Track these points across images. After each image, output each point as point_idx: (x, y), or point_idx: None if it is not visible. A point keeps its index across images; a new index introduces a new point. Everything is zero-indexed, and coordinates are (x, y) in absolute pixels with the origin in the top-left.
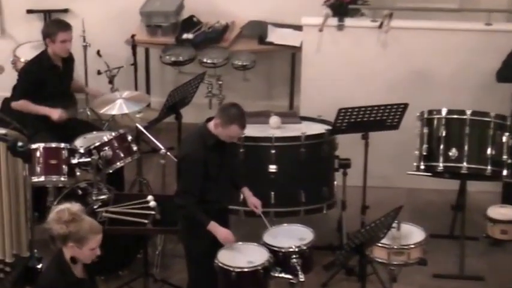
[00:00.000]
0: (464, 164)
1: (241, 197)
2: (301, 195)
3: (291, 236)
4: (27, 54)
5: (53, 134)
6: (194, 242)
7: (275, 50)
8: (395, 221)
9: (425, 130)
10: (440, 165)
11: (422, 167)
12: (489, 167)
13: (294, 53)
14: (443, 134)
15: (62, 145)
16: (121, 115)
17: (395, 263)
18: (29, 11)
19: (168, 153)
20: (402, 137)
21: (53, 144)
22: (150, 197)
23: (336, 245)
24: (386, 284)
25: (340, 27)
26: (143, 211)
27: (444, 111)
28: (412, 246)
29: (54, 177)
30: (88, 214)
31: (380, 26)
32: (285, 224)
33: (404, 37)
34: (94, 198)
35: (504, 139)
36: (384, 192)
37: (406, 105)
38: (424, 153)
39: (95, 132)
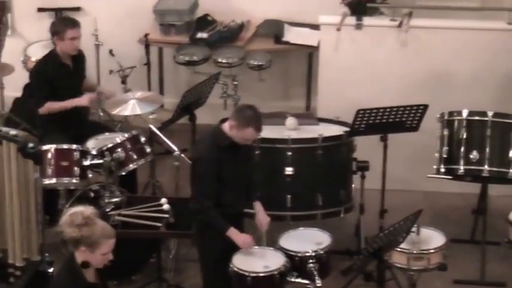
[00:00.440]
0: (486, 167)
1: None
2: (318, 199)
3: (308, 240)
4: (38, 53)
5: (65, 135)
6: (208, 246)
7: (291, 50)
8: (415, 225)
9: (446, 132)
10: (461, 168)
11: (442, 170)
12: (511, 170)
13: (311, 53)
14: (464, 136)
15: (74, 146)
16: (134, 116)
17: (414, 268)
18: (40, 10)
19: (182, 155)
20: (422, 139)
21: (65, 146)
22: (163, 200)
23: (354, 249)
24: None
25: (359, 26)
26: (156, 214)
27: (465, 113)
28: (432, 251)
29: (65, 180)
30: (100, 217)
31: (399, 25)
32: (302, 228)
33: (424, 36)
34: (106, 201)
35: None
36: (403, 196)
37: (425, 107)
38: (445, 156)
39: (107, 134)
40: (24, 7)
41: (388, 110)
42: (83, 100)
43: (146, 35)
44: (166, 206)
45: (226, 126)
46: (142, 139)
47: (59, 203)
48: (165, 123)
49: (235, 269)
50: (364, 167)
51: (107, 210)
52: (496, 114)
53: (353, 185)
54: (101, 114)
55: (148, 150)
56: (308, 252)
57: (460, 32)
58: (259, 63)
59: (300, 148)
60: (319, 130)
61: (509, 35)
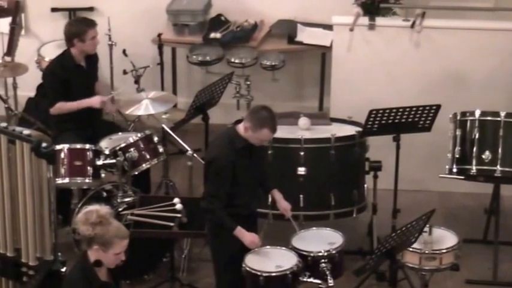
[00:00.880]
0: (498, 167)
1: (270, 199)
2: (331, 199)
3: (321, 240)
4: (51, 53)
5: (78, 134)
6: (221, 245)
7: (305, 50)
8: (427, 225)
9: (458, 132)
10: (473, 168)
11: (454, 170)
12: None
13: (324, 53)
14: (477, 137)
15: (87, 146)
16: (147, 116)
17: (426, 268)
18: (54, 9)
19: (195, 154)
20: (434, 139)
21: (78, 145)
22: (176, 200)
23: (367, 249)
24: None
25: (372, 27)
26: (169, 214)
27: (477, 113)
28: (444, 251)
29: (78, 179)
30: (114, 217)
31: (412, 26)
32: (314, 228)
33: (437, 37)
34: (119, 200)
35: None
36: (415, 196)
37: (438, 107)
38: (457, 156)
39: (120, 133)
40: (37, 7)
41: (400, 110)
42: (94, 101)
43: (159, 35)
44: (179, 206)
45: (241, 128)
46: (155, 139)
47: (72, 203)
48: (178, 123)
49: (248, 268)
50: (376, 167)
51: (120, 209)
52: (508, 115)
53: (366, 185)
54: (114, 114)
55: (161, 150)
56: (321, 252)
57: (473, 32)
58: (273, 64)
59: (312, 148)
60: (331, 130)
61: None
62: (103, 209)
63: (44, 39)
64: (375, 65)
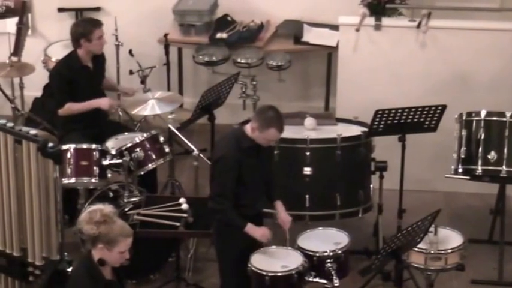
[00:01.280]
0: (504, 167)
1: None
2: (337, 199)
3: (326, 240)
4: (58, 53)
5: (84, 134)
6: (227, 245)
7: (311, 50)
8: (433, 225)
9: (464, 132)
10: (479, 168)
11: (460, 170)
12: None
13: (330, 53)
14: (482, 137)
15: (93, 146)
16: (153, 116)
17: (432, 268)
18: (60, 10)
19: (201, 155)
20: (440, 140)
21: (84, 145)
22: (182, 200)
23: (372, 249)
24: None
25: (378, 27)
26: (175, 214)
27: (483, 113)
28: (450, 251)
29: (85, 179)
30: (119, 216)
31: (418, 26)
32: (320, 228)
33: (443, 37)
34: (125, 200)
35: None
36: (421, 196)
37: (444, 107)
38: (463, 156)
39: (126, 133)
40: (44, 7)
41: (406, 110)
42: (102, 103)
43: (166, 35)
44: (185, 206)
45: (248, 128)
46: (162, 139)
47: (78, 203)
48: (184, 123)
49: (254, 268)
50: (382, 167)
51: (126, 209)
52: None
53: (371, 185)
54: (120, 114)
55: (167, 150)
56: (326, 252)
57: (479, 33)
58: (279, 64)
59: (318, 148)
60: (337, 130)
61: None
62: (106, 207)
63: (50, 39)
64: (381, 65)
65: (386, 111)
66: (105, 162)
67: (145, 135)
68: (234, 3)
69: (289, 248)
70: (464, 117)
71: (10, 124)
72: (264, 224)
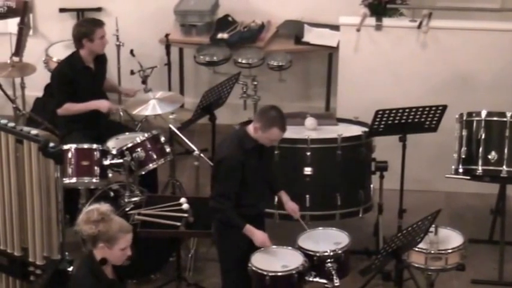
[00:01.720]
0: (504, 167)
1: (276, 200)
2: (337, 199)
3: (327, 239)
4: (59, 53)
5: (85, 134)
6: (228, 245)
7: (311, 50)
8: (433, 225)
9: (464, 132)
10: (479, 168)
11: (460, 170)
12: None
13: (330, 53)
14: (483, 137)
15: (94, 146)
16: (154, 116)
17: (432, 268)
18: (62, 10)
19: (202, 155)
20: (440, 140)
21: (85, 145)
22: (183, 199)
23: (372, 249)
24: None
25: (378, 27)
26: (176, 214)
27: (484, 114)
28: (450, 251)
29: (86, 179)
30: (120, 216)
31: (419, 26)
32: (321, 228)
33: (443, 37)
34: (126, 200)
35: None
36: (421, 196)
37: (444, 107)
38: (463, 156)
39: (127, 133)
40: (46, 7)
41: (407, 110)
42: (101, 105)
43: (167, 36)
44: (185, 206)
45: (250, 129)
46: (162, 139)
47: (80, 203)
48: (185, 123)
49: (254, 268)
50: (383, 167)
51: (127, 209)
52: None
53: (372, 185)
54: (122, 114)
55: (168, 150)
56: (326, 252)
57: (479, 33)
58: (279, 64)
59: (319, 148)
60: (338, 130)
61: None
62: (103, 206)
63: (52, 40)
64: (382, 65)
65: (387, 112)
66: (106, 162)
67: (146, 135)
68: (235, 3)
69: (290, 247)
70: (464, 117)
71: (11, 124)
72: (264, 224)
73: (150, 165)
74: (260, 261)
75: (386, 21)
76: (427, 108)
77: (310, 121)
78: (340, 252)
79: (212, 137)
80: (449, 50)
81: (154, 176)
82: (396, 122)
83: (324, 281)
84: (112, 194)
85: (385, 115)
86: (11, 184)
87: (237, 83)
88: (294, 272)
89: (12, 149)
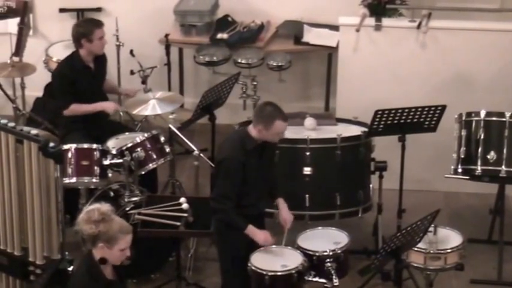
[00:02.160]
0: (503, 167)
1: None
2: (337, 198)
3: (326, 239)
4: (59, 53)
5: (85, 134)
6: (227, 245)
7: (311, 50)
8: (432, 225)
9: (464, 132)
10: (478, 168)
11: (460, 170)
12: None
13: (330, 54)
14: (482, 137)
15: (94, 146)
16: (154, 116)
17: (431, 267)
18: (62, 10)
19: (202, 154)
20: (440, 140)
21: (85, 145)
22: (182, 199)
23: (372, 249)
24: None
25: (378, 28)
26: (176, 213)
27: (483, 114)
28: (449, 250)
29: (86, 179)
30: (120, 216)
31: (418, 26)
32: (320, 228)
33: (443, 38)
34: (126, 200)
35: None
36: (420, 196)
37: (444, 107)
38: (462, 156)
39: (127, 133)
40: (45, 7)
41: (406, 110)
42: (108, 106)
43: (167, 36)
44: (185, 205)
45: (251, 129)
46: (162, 139)
47: (79, 202)
48: (184, 123)
49: (254, 268)
50: (382, 167)
51: (127, 209)
52: None
53: (371, 185)
54: (121, 114)
55: (168, 149)
56: (326, 251)
57: (479, 33)
58: (279, 64)
59: (318, 148)
60: (337, 130)
61: None
62: (103, 206)
63: (52, 40)
64: (381, 65)
65: (386, 112)
66: (106, 162)
67: (146, 135)
68: (235, 3)
69: (289, 247)
70: (463, 118)
71: (11, 124)
72: (265, 224)
73: (150, 165)
74: (260, 261)
75: (386, 21)
76: (426, 108)
77: (309, 121)
78: (339, 252)
79: (212, 137)
80: (448, 50)
81: (154, 175)
82: (395, 122)
83: (323, 280)
84: (112, 193)
85: (385, 115)
86: (11, 184)
87: (237, 83)
88: (293, 271)
89: (12, 149)
